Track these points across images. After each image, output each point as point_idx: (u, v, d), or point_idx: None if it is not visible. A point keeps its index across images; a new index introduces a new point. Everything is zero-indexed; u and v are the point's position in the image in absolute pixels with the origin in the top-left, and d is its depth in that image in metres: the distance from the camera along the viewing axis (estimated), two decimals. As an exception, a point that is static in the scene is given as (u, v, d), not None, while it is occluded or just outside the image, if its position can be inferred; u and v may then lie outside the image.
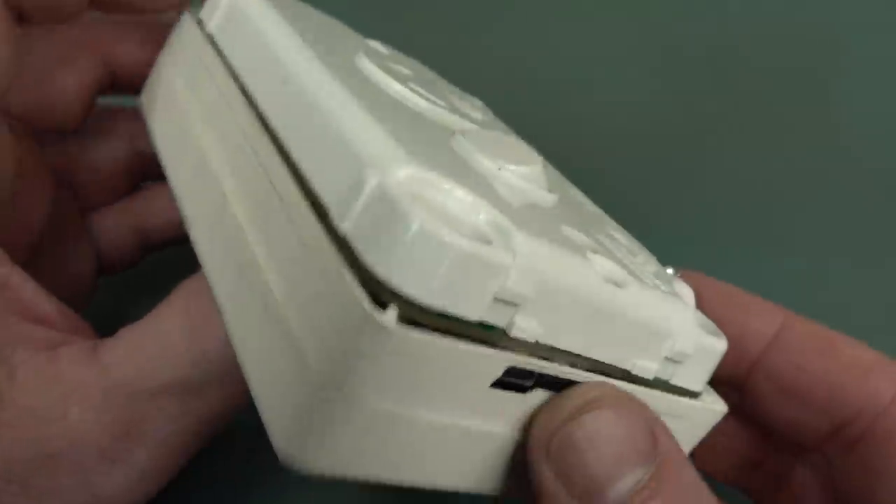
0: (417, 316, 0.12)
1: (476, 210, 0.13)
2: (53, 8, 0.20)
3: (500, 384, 0.13)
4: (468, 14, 0.33)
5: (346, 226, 0.13)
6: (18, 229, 0.21)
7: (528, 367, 0.14)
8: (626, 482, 0.13)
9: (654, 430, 0.14)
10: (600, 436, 0.13)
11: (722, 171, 0.30)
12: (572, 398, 0.14)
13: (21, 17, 0.20)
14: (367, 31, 0.23)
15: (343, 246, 0.12)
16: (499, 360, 0.13)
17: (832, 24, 0.33)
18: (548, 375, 0.14)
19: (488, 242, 0.12)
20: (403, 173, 0.12)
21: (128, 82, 0.23)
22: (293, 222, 0.14)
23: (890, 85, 0.32)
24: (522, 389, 0.14)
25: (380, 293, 0.12)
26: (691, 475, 0.14)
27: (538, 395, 0.14)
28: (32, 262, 0.21)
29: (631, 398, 0.14)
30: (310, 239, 0.13)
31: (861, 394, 0.18)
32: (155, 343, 0.18)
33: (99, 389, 0.17)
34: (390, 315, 0.12)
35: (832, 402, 0.18)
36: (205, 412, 0.18)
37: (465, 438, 0.14)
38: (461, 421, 0.14)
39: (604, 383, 0.14)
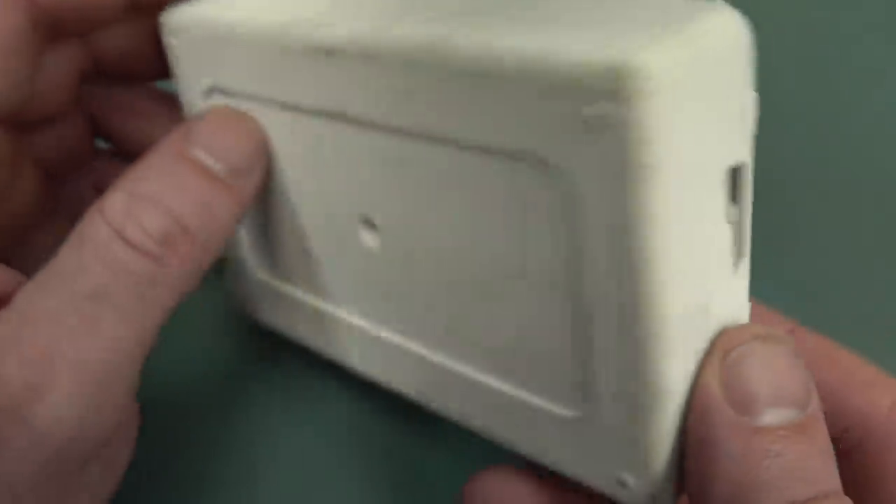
0: None
1: None
2: (88, 18, 0.20)
3: None
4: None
5: None
6: (8, 221, 0.21)
7: None
8: (777, 415, 0.15)
9: (810, 388, 0.15)
10: (773, 367, 0.15)
11: None
12: (760, 328, 0.16)
13: (54, 30, 0.20)
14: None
15: None
16: None
17: (834, 23, 0.33)
18: None
19: None
20: None
21: (111, 69, 0.22)
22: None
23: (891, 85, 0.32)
24: None
25: None
26: (826, 441, 0.15)
27: None
28: (20, 252, 0.21)
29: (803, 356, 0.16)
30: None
31: (859, 405, 0.18)
32: None
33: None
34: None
35: (832, 411, 0.18)
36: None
37: None
38: None
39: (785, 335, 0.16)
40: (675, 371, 0.15)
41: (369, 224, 0.19)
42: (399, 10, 0.17)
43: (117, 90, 0.23)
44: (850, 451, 0.18)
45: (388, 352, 0.20)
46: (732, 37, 0.14)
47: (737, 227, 0.16)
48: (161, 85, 0.23)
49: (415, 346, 0.20)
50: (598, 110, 0.13)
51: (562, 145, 0.14)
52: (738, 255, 0.16)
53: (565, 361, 0.16)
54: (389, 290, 0.19)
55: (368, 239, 0.19)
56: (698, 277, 0.15)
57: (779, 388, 0.15)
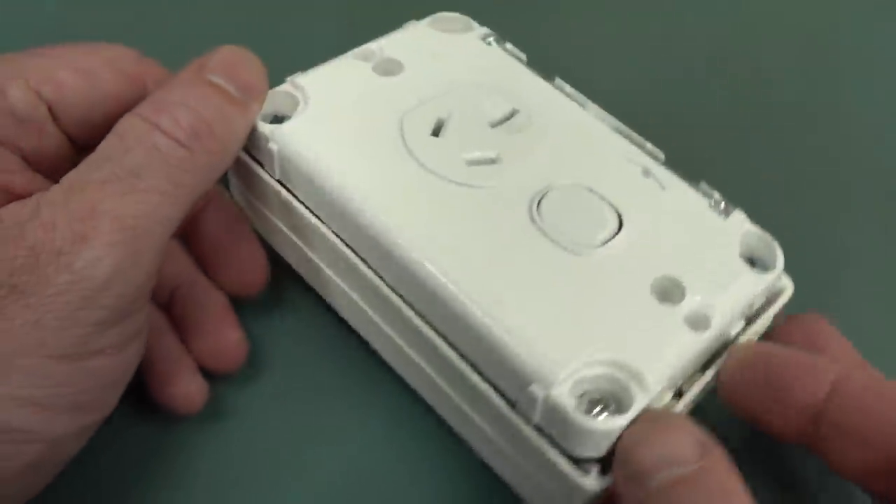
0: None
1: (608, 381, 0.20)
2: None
3: None
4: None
5: (536, 420, 0.20)
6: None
7: None
8: (666, 475, 0.18)
9: (702, 445, 0.18)
10: (656, 442, 0.18)
11: (724, 169, 0.29)
12: (653, 413, 0.20)
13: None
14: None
15: (540, 431, 0.20)
16: None
17: (836, 23, 0.33)
18: None
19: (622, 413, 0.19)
20: (558, 390, 0.19)
21: None
22: (489, 405, 0.21)
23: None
24: None
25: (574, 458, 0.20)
26: (727, 483, 0.18)
27: None
28: None
29: (680, 419, 0.19)
30: (512, 424, 0.20)
31: None
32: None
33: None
34: (592, 477, 0.20)
35: (889, 442, 0.19)
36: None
37: None
38: None
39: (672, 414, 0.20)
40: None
41: None
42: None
43: None
44: None
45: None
46: None
47: None
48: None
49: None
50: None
51: None
52: None
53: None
54: None
55: None
56: None
57: (662, 455, 0.18)
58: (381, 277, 0.22)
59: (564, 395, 0.19)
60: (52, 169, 0.23)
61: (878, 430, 0.19)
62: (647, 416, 0.19)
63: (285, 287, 0.27)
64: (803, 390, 0.20)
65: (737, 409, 0.21)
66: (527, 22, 0.35)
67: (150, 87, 0.24)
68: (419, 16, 0.28)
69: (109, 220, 0.19)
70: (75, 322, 0.19)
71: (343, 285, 0.24)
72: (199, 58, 0.23)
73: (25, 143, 0.23)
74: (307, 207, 0.24)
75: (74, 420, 0.20)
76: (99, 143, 0.21)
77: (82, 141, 0.24)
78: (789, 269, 0.23)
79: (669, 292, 0.21)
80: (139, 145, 0.20)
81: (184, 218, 0.21)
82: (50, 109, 0.23)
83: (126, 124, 0.21)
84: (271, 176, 0.24)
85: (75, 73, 0.23)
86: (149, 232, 0.20)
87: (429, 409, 0.24)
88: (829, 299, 0.27)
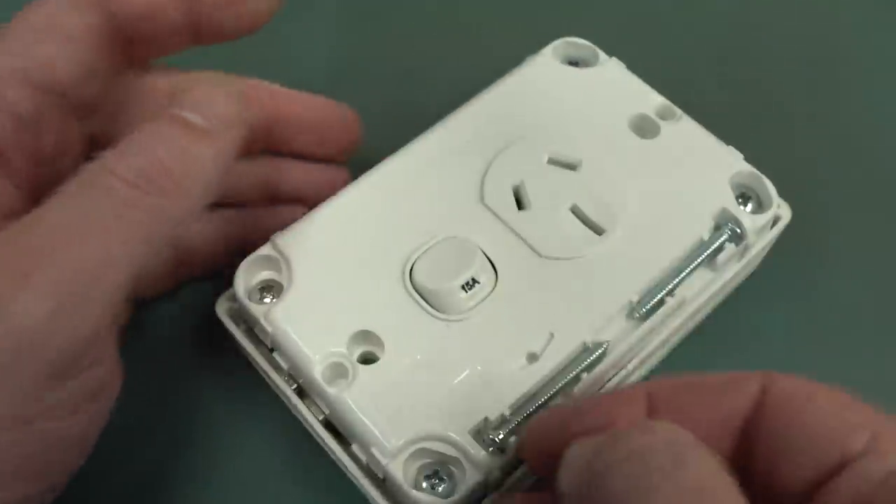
0: None
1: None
2: (154, 45, 0.23)
3: None
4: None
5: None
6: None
7: None
8: None
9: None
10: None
11: None
12: None
13: (124, 50, 0.22)
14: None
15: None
16: None
17: (839, 23, 0.33)
18: None
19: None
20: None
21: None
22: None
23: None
24: None
25: None
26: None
27: None
28: None
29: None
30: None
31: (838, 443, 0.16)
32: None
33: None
34: None
35: (816, 451, 0.17)
36: None
37: None
38: None
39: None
40: None
41: None
42: None
43: None
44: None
45: None
46: None
47: None
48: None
49: None
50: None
51: None
52: None
53: None
54: None
55: None
56: None
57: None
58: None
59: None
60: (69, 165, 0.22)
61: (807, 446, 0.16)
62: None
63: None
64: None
65: None
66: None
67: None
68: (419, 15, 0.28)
69: (54, 265, 0.18)
70: (12, 376, 0.17)
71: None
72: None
73: (31, 147, 0.21)
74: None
75: (14, 491, 0.18)
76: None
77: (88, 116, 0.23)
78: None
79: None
80: (93, 189, 0.19)
81: (147, 261, 0.20)
82: (49, 97, 0.21)
83: (86, 167, 0.20)
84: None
85: (43, 38, 0.21)
86: (98, 278, 0.18)
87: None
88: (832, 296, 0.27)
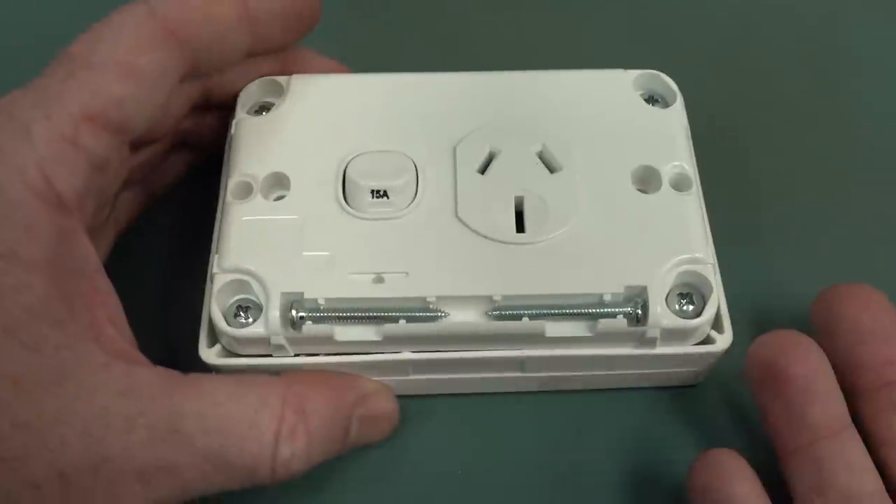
0: None
1: None
2: (217, 63, 0.23)
3: None
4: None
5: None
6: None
7: None
8: None
9: None
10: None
11: (730, 168, 0.29)
12: None
13: (189, 71, 0.22)
14: None
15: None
16: None
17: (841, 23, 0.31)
18: None
19: None
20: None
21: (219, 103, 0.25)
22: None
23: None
24: None
25: None
26: None
27: None
28: None
29: None
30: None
31: None
32: (240, 423, 0.19)
33: (166, 427, 0.18)
34: None
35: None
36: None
37: None
38: None
39: None
40: None
41: None
42: None
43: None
44: None
45: None
46: None
47: None
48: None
49: None
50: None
51: None
52: None
53: None
54: None
55: None
56: None
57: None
58: None
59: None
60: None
61: None
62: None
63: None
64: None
65: None
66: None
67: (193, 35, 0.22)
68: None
69: None
70: None
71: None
72: None
73: (99, 188, 0.21)
74: None
75: None
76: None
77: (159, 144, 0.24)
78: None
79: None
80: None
81: None
82: (122, 137, 0.21)
83: None
84: None
85: (123, 78, 0.21)
86: None
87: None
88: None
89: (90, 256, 0.20)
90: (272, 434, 0.19)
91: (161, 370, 0.19)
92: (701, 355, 0.23)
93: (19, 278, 0.18)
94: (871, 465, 0.21)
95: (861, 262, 0.27)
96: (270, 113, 0.25)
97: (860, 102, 0.31)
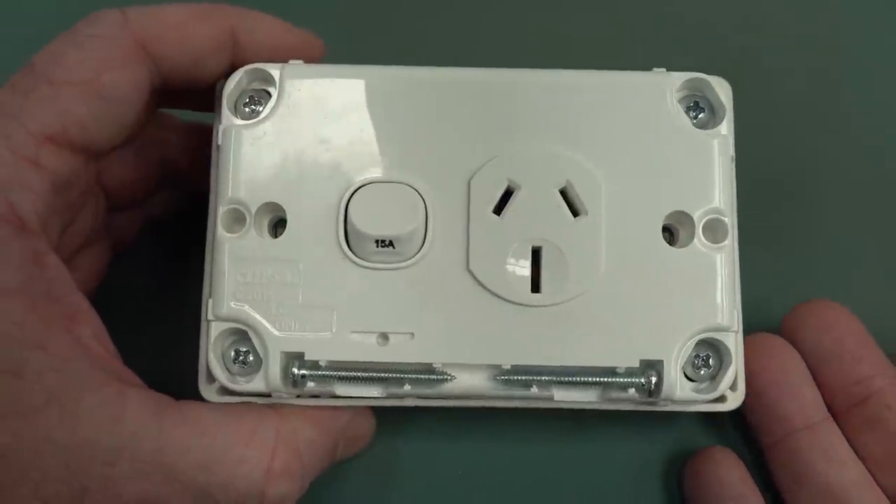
0: None
1: None
2: (193, 86, 0.21)
3: None
4: None
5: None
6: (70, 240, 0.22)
7: None
8: None
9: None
10: None
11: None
12: None
13: (161, 90, 0.21)
14: None
15: None
16: None
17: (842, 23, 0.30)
18: None
19: None
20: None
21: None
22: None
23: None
24: None
25: None
26: None
27: None
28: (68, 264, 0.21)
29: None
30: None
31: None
32: (228, 458, 0.19)
33: (151, 460, 0.18)
34: None
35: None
36: None
37: None
38: None
39: None
40: None
41: None
42: None
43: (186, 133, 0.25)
44: None
45: None
46: None
47: None
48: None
49: None
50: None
51: None
52: None
53: None
54: None
55: None
56: None
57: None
58: None
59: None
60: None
61: None
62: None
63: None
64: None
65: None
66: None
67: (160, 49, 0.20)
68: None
69: None
70: None
71: None
72: None
73: (63, 207, 0.20)
74: None
75: None
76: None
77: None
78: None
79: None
80: None
81: None
82: (84, 156, 0.20)
83: None
84: None
85: (87, 96, 0.19)
86: None
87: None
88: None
89: (63, 276, 0.19)
90: (262, 471, 0.19)
91: (151, 394, 0.19)
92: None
93: None
94: (853, 456, 0.22)
95: (859, 264, 0.27)
96: (261, 120, 0.22)
97: (860, 103, 0.29)
